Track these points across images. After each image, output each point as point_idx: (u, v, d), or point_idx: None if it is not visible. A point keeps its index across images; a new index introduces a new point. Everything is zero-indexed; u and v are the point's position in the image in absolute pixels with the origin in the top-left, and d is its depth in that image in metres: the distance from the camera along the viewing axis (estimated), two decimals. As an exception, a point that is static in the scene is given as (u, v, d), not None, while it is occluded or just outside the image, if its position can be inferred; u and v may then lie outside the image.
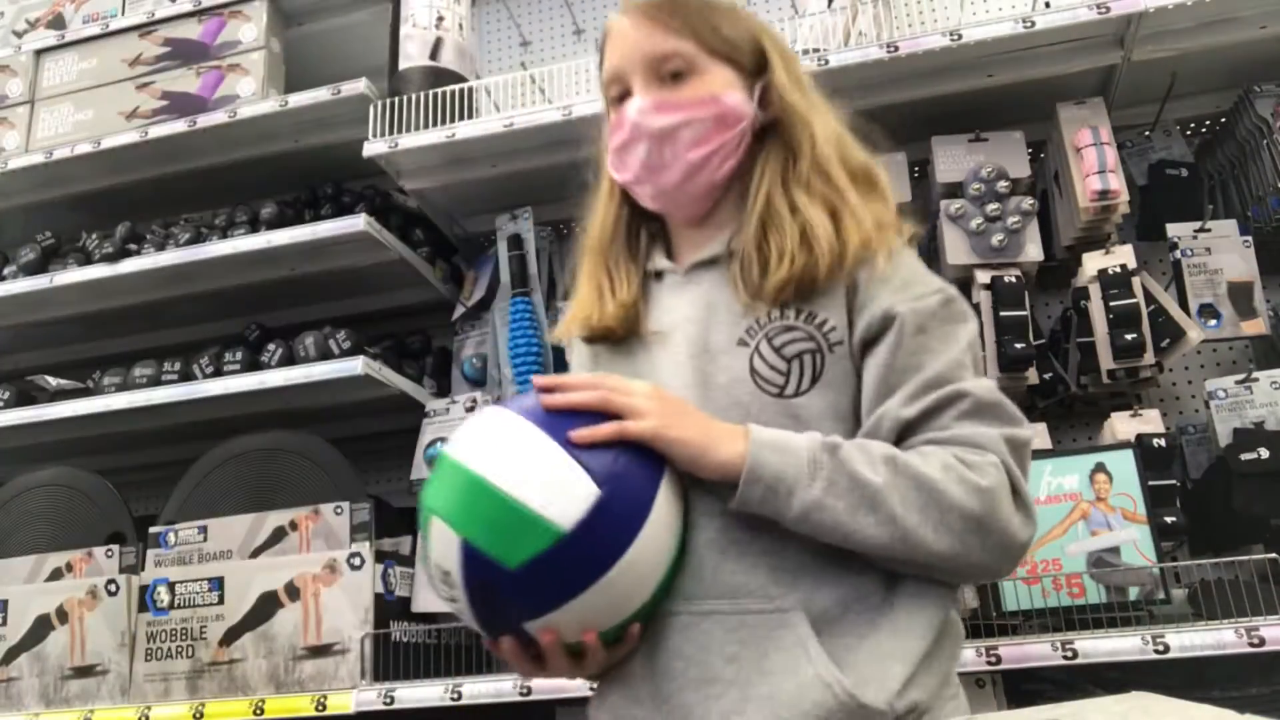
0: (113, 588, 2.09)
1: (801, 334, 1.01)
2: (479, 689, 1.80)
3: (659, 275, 1.14)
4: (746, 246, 1.05)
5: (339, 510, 2.04)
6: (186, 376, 2.29)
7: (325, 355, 2.18)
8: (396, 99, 2.23)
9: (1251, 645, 1.49)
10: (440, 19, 2.36)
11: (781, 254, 1.02)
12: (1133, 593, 1.63)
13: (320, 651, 1.92)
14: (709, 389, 1.02)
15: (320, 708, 1.84)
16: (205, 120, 2.36)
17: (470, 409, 2.14)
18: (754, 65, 1.10)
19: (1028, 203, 1.92)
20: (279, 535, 2.07)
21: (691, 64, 1.08)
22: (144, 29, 2.59)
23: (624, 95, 1.10)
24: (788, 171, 1.07)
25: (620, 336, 1.12)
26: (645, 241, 1.16)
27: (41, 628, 2.11)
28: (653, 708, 0.97)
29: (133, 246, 2.42)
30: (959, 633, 1.01)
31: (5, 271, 2.51)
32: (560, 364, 2.15)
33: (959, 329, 1.01)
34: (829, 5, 2.15)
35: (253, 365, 2.23)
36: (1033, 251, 1.91)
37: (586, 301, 1.15)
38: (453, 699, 1.80)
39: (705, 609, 0.96)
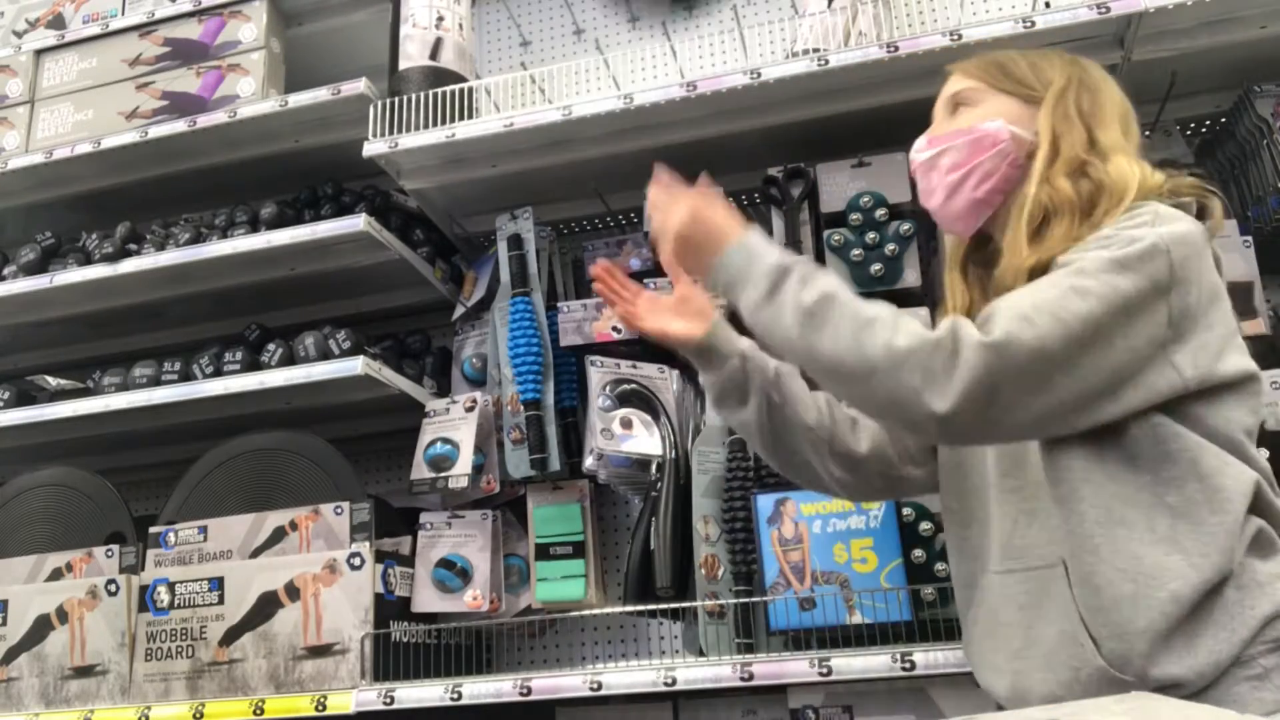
0: (113, 588, 2.09)
1: None
2: (479, 689, 1.80)
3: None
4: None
5: (339, 510, 2.04)
6: (186, 376, 2.29)
7: (325, 355, 2.18)
8: (396, 99, 2.22)
9: (1251, 645, 1.49)
10: (440, 19, 2.36)
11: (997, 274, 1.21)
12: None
13: (320, 651, 1.92)
14: None
15: (320, 708, 1.84)
16: (205, 120, 2.36)
17: (470, 409, 2.14)
18: (1042, 96, 1.24)
19: (1028, 203, 1.92)
20: (279, 535, 2.07)
21: (970, 98, 1.28)
22: (144, 29, 2.59)
23: None
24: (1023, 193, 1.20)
25: None
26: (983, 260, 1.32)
27: (41, 628, 2.12)
28: (981, 652, 1.19)
29: (133, 246, 2.42)
30: (1256, 589, 1.01)
31: (5, 271, 2.51)
32: (561, 364, 2.15)
33: (1114, 265, 1.03)
34: (829, 5, 2.14)
35: (253, 365, 2.23)
36: (1033, 251, 1.91)
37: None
38: (453, 699, 1.80)
39: (1005, 568, 1.14)
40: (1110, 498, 1.05)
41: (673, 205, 1.24)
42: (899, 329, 1.05)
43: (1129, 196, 1.12)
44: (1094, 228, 1.11)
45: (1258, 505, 1.05)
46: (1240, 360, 1.08)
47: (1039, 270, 1.11)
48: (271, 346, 2.23)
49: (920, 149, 1.32)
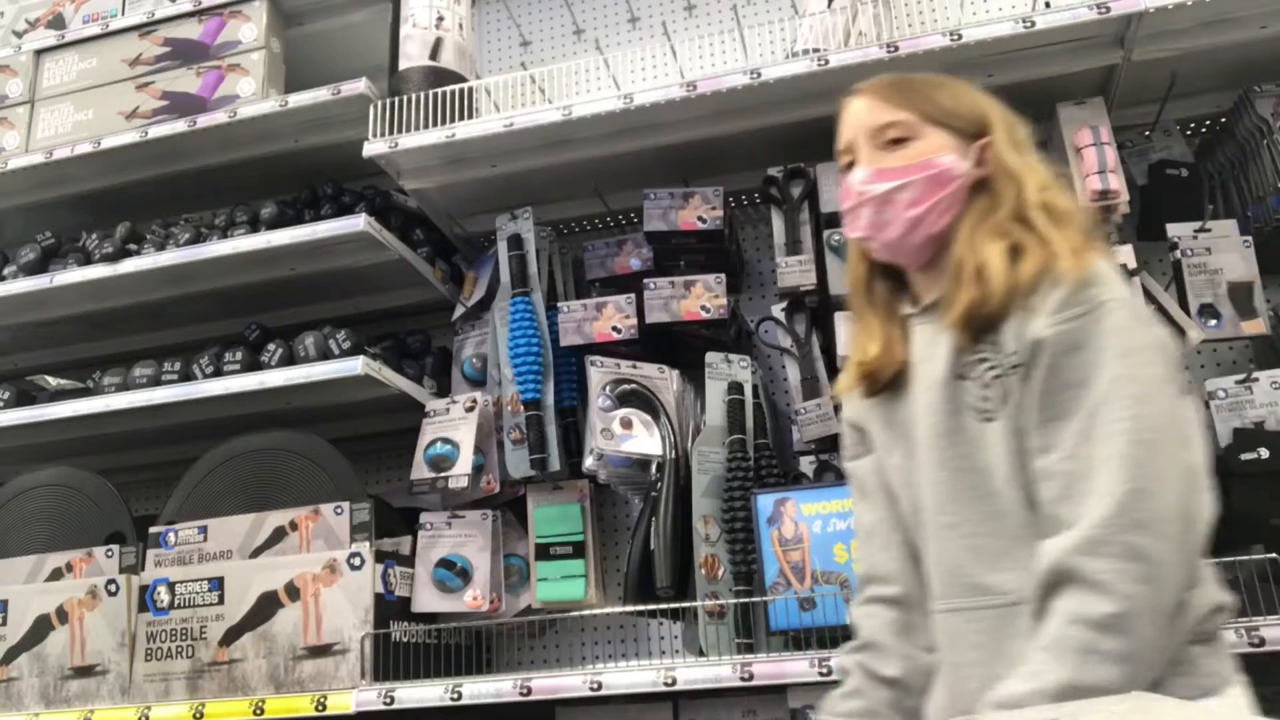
0: (113, 588, 2.09)
1: (992, 362, 1.13)
2: (479, 689, 1.80)
3: (908, 319, 1.27)
4: (947, 289, 1.19)
5: (339, 510, 2.04)
6: (186, 376, 2.29)
7: (325, 355, 2.18)
8: (396, 99, 2.23)
9: (1252, 645, 1.49)
10: (440, 19, 2.36)
11: (958, 292, 1.16)
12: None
13: (320, 651, 1.92)
14: (949, 416, 1.16)
15: (320, 708, 1.84)
16: (205, 120, 2.36)
17: (470, 409, 2.14)
18: (974, 130, 1.24)
19: (1028, 203, 1.92)
20: (279, 535, 2.07)
21: (910, 130, 1.24)
22: (144, 29, 2.59)
23: (852, 164, 1.27)
24: (984, 220, 1.19)
25: (885, 383, 1.27)
26: (888, 293, 1.31)
27: (41, 628, 2.12)
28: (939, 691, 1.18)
29: (133, 246, 2.42)
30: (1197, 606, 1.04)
31: (5, 271, 2.51)
32: (561, 364, 2.15)
33: (1107, 348, 1.05)
34: (829, 5, 2.14)
35: (253, 365, 2.23)
36: (1033, 251, 1.91)
37: (856, 352, 1.31)
38: (453, 699, 1.80)
39: (953, 607, 1.15)
40: None
41: None
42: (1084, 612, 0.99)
43: (1076, 220, 1.17)
44: (1052, 256, 1.12)
45: None
46: None
47: (1018, 291, 1.12)
48: (271, 346, 2.23)
49: (868, 181, 1.24)
